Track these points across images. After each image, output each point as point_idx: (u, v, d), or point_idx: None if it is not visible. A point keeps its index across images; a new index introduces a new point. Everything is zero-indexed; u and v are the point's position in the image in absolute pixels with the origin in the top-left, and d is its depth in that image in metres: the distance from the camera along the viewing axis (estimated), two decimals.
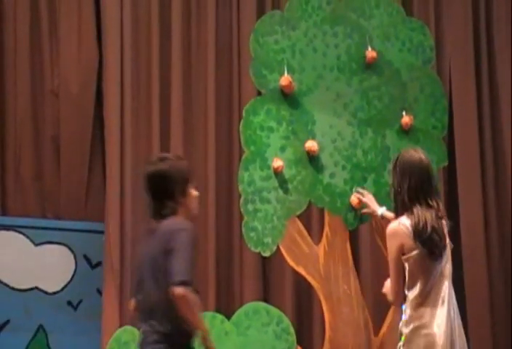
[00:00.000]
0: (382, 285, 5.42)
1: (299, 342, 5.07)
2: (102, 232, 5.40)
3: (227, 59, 5.76)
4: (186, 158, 5.45)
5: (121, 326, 5.05)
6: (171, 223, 3.77)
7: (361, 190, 5.10)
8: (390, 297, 4.06)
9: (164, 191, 3.83)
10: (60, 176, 5.60)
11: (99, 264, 5.45)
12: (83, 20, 5.69)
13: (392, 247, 3.99)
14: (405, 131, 5.40)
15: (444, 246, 4.05)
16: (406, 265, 3.98)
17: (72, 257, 5.47)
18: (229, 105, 5.72)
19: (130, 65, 5.58)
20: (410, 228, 3.95)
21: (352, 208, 5.14)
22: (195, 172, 5.52)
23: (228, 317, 4.92)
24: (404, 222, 3.98)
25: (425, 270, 3.97)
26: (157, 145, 5.52)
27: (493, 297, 5.97)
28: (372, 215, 5.00)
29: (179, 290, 3.52)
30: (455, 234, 5.90)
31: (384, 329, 5.18)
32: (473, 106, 6.08)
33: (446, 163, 5.55)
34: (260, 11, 5.76)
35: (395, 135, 5.39)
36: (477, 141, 6.06)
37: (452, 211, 5.96)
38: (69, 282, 5.43)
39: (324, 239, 5.15)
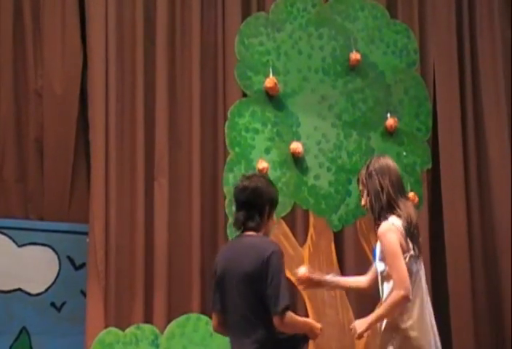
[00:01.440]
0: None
1: None
2: (86, 233, 5.38)
3: (212, 61, 5.76)
4: (171, 159, 5.53)
5: (105, 327, 5.03)
6: (265, 243, 3.87)
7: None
8: (402, 292, 3.85)
9: (256, 204, 3.91)
10: (43, 177, 5.56)
11: (83, 265, 5.42)
12: (67, 20, 5.65)
13: (392, 242, 3.92)
14: (389, 134, 5.42)
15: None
16: None
17: (55, 258, 5.44)
18: (214, 106, 5.71)
19: (115, 66, 5.56)
20: (402, 229, 3.96)
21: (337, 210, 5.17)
22: (180, 173, 5.57)
23: None
24: (396, 223, 3.98)
25: (415, 271, 3.97)
26: (142, 147, 5.50)
27: (476, 296, 6.00)
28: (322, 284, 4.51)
29: (285, 318, 3.67)
30: (439, 235, 5.96)
31: (368, 331, 5.18)
32: (456, 109, 6.12)
33: (430, 166, 5.57)
34: (245, 13, 5.75)
35: (379, 137, 5.41)
36: (461, 143, 6.09)
37: (436, 213, 6.00)
38: (52, 283, 5.40)
39: (308, 241, 5.16)
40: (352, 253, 5.61)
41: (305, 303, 5.11)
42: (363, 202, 4.17)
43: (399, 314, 3.91)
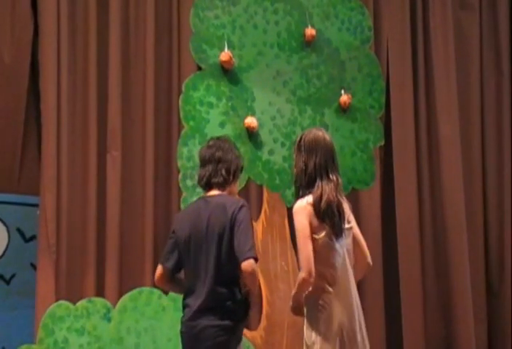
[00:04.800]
0: None
1: None
2: (36, 205, 5.30)
3: (166, 34, 5.68)
4: (124, 132, 5.47)
5: (56, 301, 4.98)
6: (230, 201, 3.90)
7: None
8: (303, 274, 3.86)
9: (221, 159, 3.95)
10: None
11: (33, 238, 5.35)
12: None
13: (303, 224, 3.90)
14: (343, 110, 5.45)
15: (343, 223, 4.02)
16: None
17: (4, 230, 5.35)
18: (168, 79, 5.65)
19: (67, 37, 5.44)
20: (313, 203, 3.94)
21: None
22: (133, 146, 5.52)
23: (166, 292, 4.90)
24: (309, 200, 3.98)
25: (331, 252, 3.96)
26: (95, 119, 5.43)
27: (425, 279, 6.10)
28: None
29: (251, 265, 3.72)
30: (390, 209, 6.03)
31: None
32: (409, 86, 6.17)
33: (382, 143, 5.63)
34: None
35: (333, 114, 5.44)
36: (413, 121, 6.17)
37: (388, 189, 6.07)
38: (1, 256, 5.32)
39: (262, 216, 5.18)
40: None
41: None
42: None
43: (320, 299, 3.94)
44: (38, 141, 5.43)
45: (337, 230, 3.96)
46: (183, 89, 5.07)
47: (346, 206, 4.06)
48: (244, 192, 5.32)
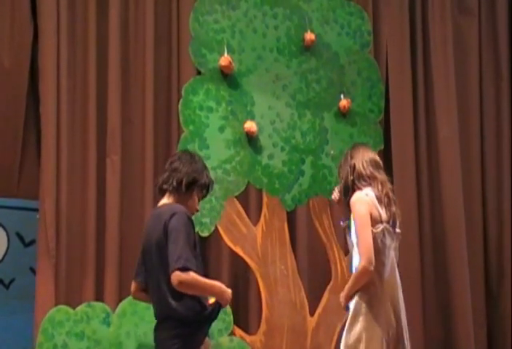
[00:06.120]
0: (318, 266, 5.54)
1: (236, 322, 5.10)
2: (36, 210, 5.29)
3: (166, 38, 5.67)
4: (124, 136, 5.47)
5: (55, 305, 4.97)
6: (168, 209, 3.88)
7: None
8: (363, 263, 3.94)
9: (176, 169, 4.01)
10: None
11: (32, 242, 5.33)
12: None
13: (362, 213, 4.00)
14: (343, 114, 5.47)
15: (395, 222, 4.12)
16: None
17: (4, 234, 5.34)
18: (168, 83, 5.64)
19: (66, 41, 5.43)
20: (375, 199, 4.02)
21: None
22: (133, 151, 5.52)
23: None
24: (369, 193, 4.04)
25: (383, 248, 4.01)
26: (94, 123, 5.41)
27: (424, 283, 6.11)
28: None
29: (181, 275, 3.68)
30: None
31: (319, 309, 5.25)
32: (408, 91, 6.17)
33: (381, 147, 5.64)
34: None
35: (333, 118, 5.46)
36: (412, 124, 6.17)
37: None
38: (1, 260, 5.31)
39: (261, 220, 5.18)
40: (304, 232, 5.62)
41: (257, 281, 5.14)
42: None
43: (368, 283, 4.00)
44: (38, 145, 5.42)
45: (392, 225, 4.05)
46: (183, 93, 5.08)
47: (398, 212, 4.14)
48: (244, 196, 5.33)
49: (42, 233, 5.17)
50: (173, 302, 3.78)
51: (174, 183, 3.96)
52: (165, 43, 5.68)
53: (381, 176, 4.22)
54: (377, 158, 4.36)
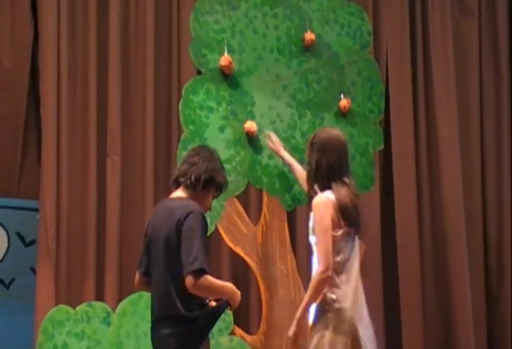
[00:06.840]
0: None
1: (236, 322, 5.10)
2: (36, 210, 5.31)
3: (166, 38, 5.70)
4: (124, 136, 5.47)
5: (56, 305, 4.98)
6: (183, 205, 3.79)
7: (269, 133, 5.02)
8: (321, 268, 3.86)
9: (194, 163, 3.91)
10: None
11: (32, 242, 5.35)
12: None
13: (324, 217, 3.90)
14: (343, 115, 5.46)
15: (359, 225, 4.05)
16: None
17: (4, 234, 5.36)
18: (168, 83, 5.66)
19: (67, 41, 5.46)
20: (336, 203, 3.95)
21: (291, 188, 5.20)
22: (133, 151, 5.52)
23: None
24: (330, 197, 3.98)
25: (345, 249, 3.97)
26: (94, 123, 5.43)
27: (424, 283, 6.11)
28: (276, 154, 5.00)
29: (198, 279, 3.63)
30: (390, 213, 6.04)
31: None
32: (408, 91, 6.18)
33: (382, 147, 5.63)
34: None
35: (333, 118, 5.44)
36: (412, 125, 6.18)
37: (388, 193, 6.08)
38: (1, 260, 5.32)
39: (262, 220, 5.18)
40: (304, 232, 5.56)
41: (257, 282, 5.14)
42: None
43: (330, 288, 3.91)
44: (38, 145, 5.44)
45: (354, 229, 3.97)
46: (183, 93, 5.07)
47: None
48: (244, 196, 5.33)
49: (42, 233, 5.18)
50: (178, 301, 3.75)
51: (193, 178, 3.87)
52: (165, 44, 5.69)
53: (342, 187, 4.04)
54: None
